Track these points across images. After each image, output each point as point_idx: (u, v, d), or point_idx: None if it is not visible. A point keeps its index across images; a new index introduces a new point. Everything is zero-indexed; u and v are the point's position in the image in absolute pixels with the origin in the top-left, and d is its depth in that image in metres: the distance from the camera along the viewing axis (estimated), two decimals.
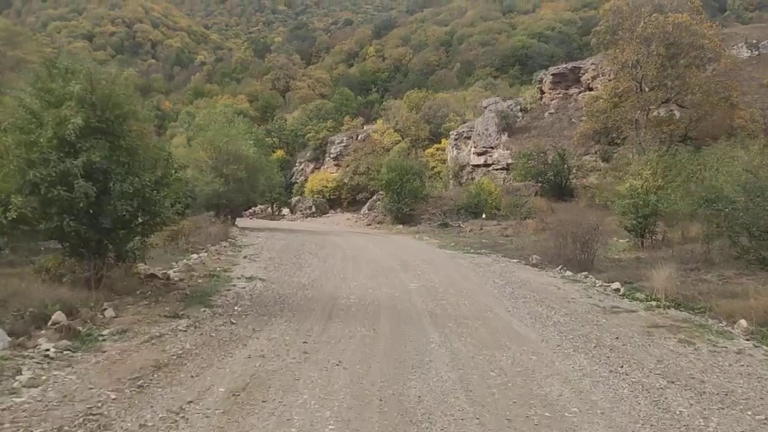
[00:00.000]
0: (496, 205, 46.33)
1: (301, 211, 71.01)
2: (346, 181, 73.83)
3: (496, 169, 58.10)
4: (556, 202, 45.63)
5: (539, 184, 49.01)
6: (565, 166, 47.12)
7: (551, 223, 38.88)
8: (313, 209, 70.23)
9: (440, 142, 74.46)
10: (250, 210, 78.11)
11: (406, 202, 48.68)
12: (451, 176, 62.37)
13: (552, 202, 45.40)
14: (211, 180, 34.01)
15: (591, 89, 58.34)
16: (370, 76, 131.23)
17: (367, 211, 59.43)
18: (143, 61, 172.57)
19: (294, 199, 74.86)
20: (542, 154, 48.37)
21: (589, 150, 52.05)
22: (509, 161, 56.93)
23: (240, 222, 44.41)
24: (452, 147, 64.82)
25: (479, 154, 60.24)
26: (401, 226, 47.92)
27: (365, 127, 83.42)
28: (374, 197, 61.54)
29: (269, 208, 76.43)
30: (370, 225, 51.44)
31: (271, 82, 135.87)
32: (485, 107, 63.05)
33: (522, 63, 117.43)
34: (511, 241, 31.98)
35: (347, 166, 75.16)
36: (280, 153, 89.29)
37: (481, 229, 41.87)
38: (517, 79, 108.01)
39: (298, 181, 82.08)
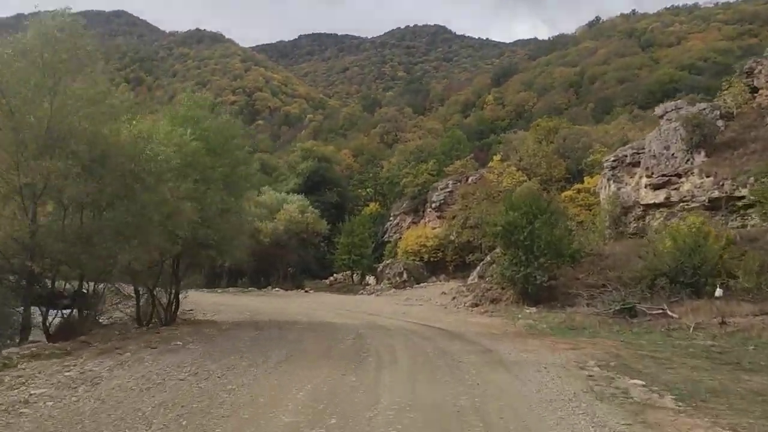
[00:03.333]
0: (727, 269, 21.41)
1: (388, 279, 47.95)
2: (452, 237, 50.46)
3: (690, 209, 32.82)
4: None
5: None
6: None
7: None
8: (404, 277, 47.03)
9: (582, 182, 50.02)
10: (331, 278, 56.44)
11: (541, 263, 24.91)
12: (608, 223, 37.50)
13: None
14: None
15: None
16: (489, 125, 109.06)
17: (476, 279, 35.75)
18: (252, 122, 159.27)
19: (382, 264, 51.89)
20: None
21: None
22: (714, 194, 31.76)
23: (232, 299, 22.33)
24: (608, 180, 40.09)
25: (656, 187, 35.28)
26: (534, 309, 23.95)
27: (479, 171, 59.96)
28: (488, 257, 37.85)
29: (352, 277, 54.11)
30: (478, 305, 27.54)
31: (379, 136, 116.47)
32: (661, 116, 38.23)
33: (670, 97, 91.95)
34: None
35: (453, 217, 51.89)
36: (373, 206, 67.38)
37: (723, 323, 17.28)
38: None
39: (391, 239, 59.19)
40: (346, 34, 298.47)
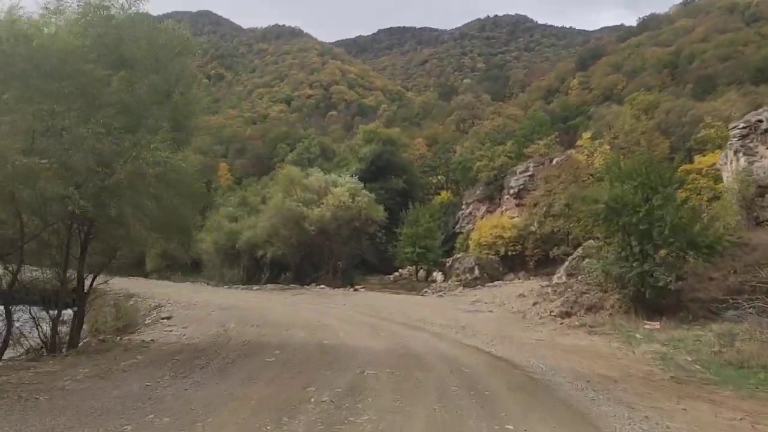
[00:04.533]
0: None
1: (457, 275, 40.29)
2: (533, 227, 42.45)
3: None
4: None
5: None
6: None
7: None
8: (476, 273, 39.30)
9: (691, 161, 41.02)
10: (396, 273, 49.40)
11: (664, 257, 16.86)
12: (737, 206, 28.53)
13: None
14: None
15: None
16: (574, 111, 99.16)
17: (564, 278, 27.73)
18: (323, 115, 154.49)
19: (451, 258, 44.14)
20: None
21: None
22: None
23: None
24: (735, 153, 30.95)
25: None
26: (656, 325, 15.92)
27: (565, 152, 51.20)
28: (578, 251, 29.81)
29: (416, 273, 46.78)
30: (569, 315, 19.45)
31: (455, 124, 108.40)
32: None
33: None
34: None
35: (534, 204, 43.76)
36: (445, 194, 59.68)
37: None
38: None
39: (463, 230, 51.32)
40: (425, 27, 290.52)
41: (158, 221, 11.38)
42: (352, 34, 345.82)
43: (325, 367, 10.15)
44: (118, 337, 13.29)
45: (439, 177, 63.74)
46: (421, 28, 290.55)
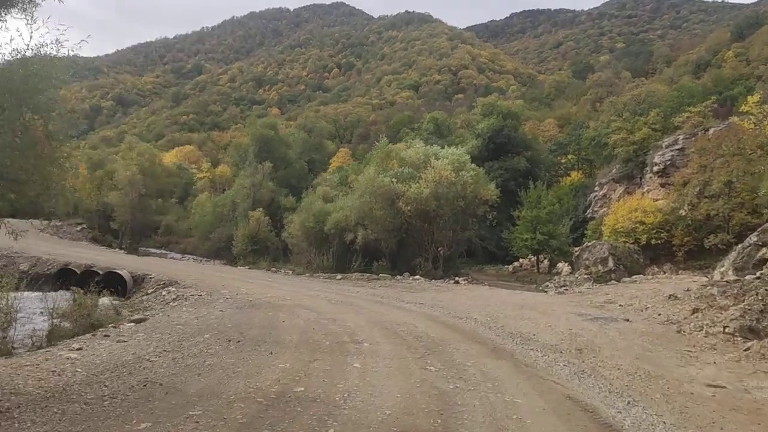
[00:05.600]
0: None
1: (586, 267, 33.02)
2: (682, 211, 34.56)
3: None
4: None
5: None
6: None
7: None
8: (610, 265, 31.86)
9: None
10: (516, 263, 43.26)
11: None
12: None
13: None
14: None
15: None
16: (729, 86, 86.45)
17: (730, 274, 20.34)
18: (450, 99, 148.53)
19: (579, 248, 36.75)
20: None
21: None
22: None
23: None
24: None
25: None
26: None
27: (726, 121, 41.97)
28: (752, 238, 22.06)
29: (537, 264, 40.15)
30: (759, 333, 12.36)
31: (590, 103, 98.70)
32: None
33: None
34: None
35: (684, 184, 35.68)
36: (575, 175, 51.95)
37: None
38: None
39: (596, 215, 43.56)
40: (560, 9, 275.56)
41: None
42: (484, 19, 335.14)
43: None
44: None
45: (569, 156, 55.87)
46: (556, 10, 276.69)
